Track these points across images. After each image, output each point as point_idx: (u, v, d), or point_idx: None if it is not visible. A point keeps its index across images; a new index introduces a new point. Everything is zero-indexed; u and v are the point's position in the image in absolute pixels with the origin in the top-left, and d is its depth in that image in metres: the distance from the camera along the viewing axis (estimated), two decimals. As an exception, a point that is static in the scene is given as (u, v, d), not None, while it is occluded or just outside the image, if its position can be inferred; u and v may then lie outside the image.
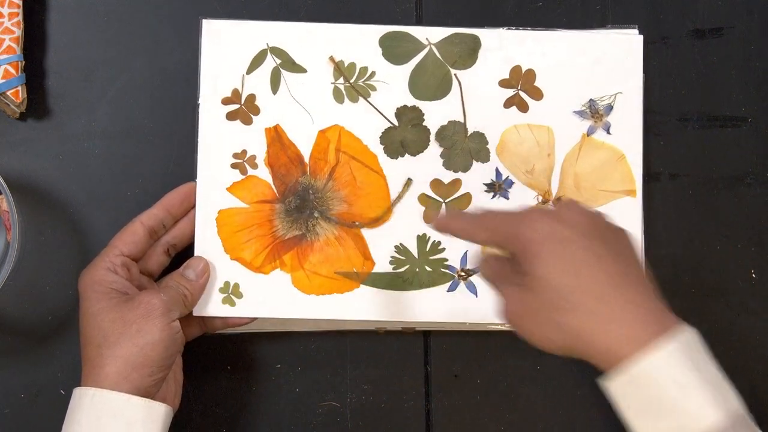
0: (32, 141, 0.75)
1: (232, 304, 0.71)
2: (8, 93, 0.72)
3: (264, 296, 0.72)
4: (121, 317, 0.65)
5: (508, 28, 0.74)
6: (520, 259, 0.59)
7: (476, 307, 0.73)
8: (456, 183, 0.73)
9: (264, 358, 0.76)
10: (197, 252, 0.71)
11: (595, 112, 0.74)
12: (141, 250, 0.70)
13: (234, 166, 0.72)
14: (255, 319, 0.72)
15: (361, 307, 0.72)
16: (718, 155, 0.77)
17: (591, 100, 0.74)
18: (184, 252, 0.72)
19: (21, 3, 0.73)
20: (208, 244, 0.71)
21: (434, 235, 0.73)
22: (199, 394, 0.75)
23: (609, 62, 0.74)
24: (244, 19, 0.73)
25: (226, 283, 0.72)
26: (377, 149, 0.73)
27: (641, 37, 0.74)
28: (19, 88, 0.72)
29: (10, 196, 0.68)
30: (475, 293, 0.73)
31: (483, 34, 0.74)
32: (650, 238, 0.75)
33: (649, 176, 0.76)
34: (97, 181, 0.75)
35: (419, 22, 0.77)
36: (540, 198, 0.74)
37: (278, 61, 0.73)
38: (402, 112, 0.73)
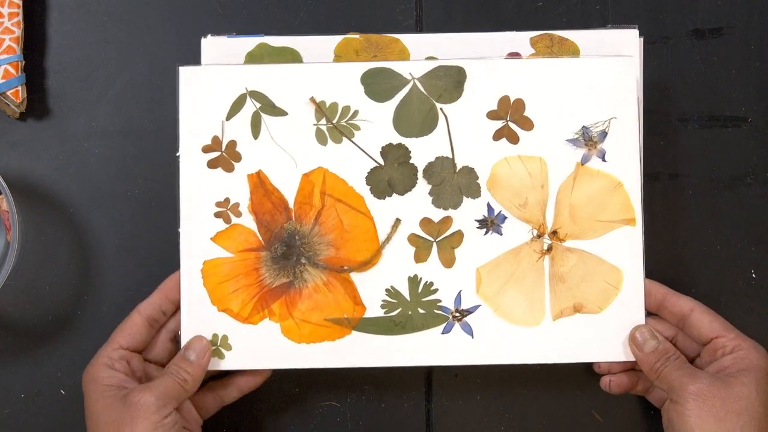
0: (32, 141, 0.76)
1: (221, 356, 0.70)
2: (8, 93, 0.73)
3: (253, 347, 0.70)
4: (115, 420, 0.64)
5: (494, 58, 0.72)
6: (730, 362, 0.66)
7: (473, 348, 0.70)
8: (446, 221, 0.71)
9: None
10: (183, 305, 0.70)
11: (589, 140, 0.71)
12: (141, 341, 0.69)
13: (217, 215, 0.71)
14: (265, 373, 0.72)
15: (354, 354, 0.70)
16: (718, 155, 0.77)
17: (584, 127, 0.71)
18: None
19: (21, 3, 0.74)
20: (194, 296, 0.70)
21: (426, 276, 0.71)
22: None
23: (601, 87, 0.71)
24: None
25: (215, 336, 0.70)
26: (363, 190, 0.71)
27: (635, 59, 0.72)
28: (19, 88, 0.73)
29: (10, 196, 0.69)
30: (471, 334, 0.70)
31: (468, 65, 0.71)
32: (650, 239, 0.74)
33: (649, 176, 0.76)
34: (97, 181, 0.76)
35: (419, 21, 0.77)
36: (535, 232, 0.71)
37: (258, 105, 0.71)
38: (388, 150, 0.71)
